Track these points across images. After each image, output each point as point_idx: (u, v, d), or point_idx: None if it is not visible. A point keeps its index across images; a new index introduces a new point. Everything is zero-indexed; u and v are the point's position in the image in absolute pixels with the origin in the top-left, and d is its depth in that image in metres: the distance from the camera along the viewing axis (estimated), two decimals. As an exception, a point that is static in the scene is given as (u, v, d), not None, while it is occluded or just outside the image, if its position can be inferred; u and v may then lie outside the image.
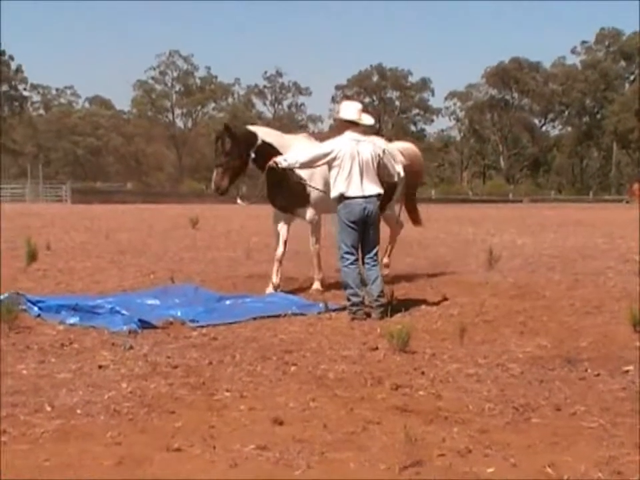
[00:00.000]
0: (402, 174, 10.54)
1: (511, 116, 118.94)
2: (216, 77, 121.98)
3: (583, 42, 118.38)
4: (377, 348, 7.51)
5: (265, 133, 10.87)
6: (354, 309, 9.14)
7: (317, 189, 10.57)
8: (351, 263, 9.29)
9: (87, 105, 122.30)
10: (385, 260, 12.08)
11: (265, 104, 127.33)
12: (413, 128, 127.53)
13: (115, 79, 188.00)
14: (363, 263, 9.45)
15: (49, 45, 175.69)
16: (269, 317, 9.09)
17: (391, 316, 9.05)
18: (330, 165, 9.33)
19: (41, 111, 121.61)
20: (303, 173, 10.51)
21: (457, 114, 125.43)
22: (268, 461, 4.56)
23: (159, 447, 4.76)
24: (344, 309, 9.39)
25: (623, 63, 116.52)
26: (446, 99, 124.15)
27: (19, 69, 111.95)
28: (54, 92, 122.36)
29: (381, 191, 9.47)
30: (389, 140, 12.92)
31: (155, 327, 8.35)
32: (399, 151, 11.52)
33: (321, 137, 11.96)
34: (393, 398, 5.90)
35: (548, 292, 11.09)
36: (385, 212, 11.10)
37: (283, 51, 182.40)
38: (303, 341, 7.91)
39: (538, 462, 4.57)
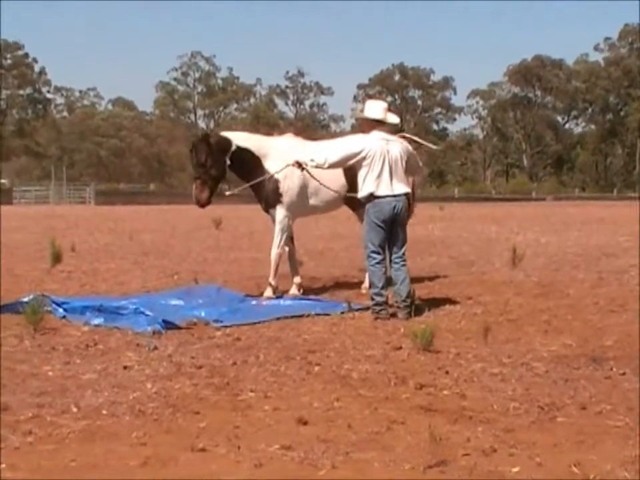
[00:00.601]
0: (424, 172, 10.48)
1: (534, 114, 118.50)
2: (238, 78, 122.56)
3: (606, 38, 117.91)
4: (400, 347, 7.49)
5: (239, 138, 10.65)
6: (377, 308, 9.12)
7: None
8: (377, 263, 9.26)
9: (109, 106, 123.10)
10: None
11: (286, 104, 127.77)
12: (435, 127, 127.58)
13: (138, 80, 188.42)
14: (390, 263, 9.42)
15: (72, 47, 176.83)
16: (292, 317, 9.10)
17: (415, 315, 9.04)
18: (359, 164, 9.27)
19: (65, 113, 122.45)
20: (280, 174, 10.31)
21: (479, 112, 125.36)
22: (292, 461, 4.56)
23: (184, 447, 4.77)
24: (367, 308, 9.37)
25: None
26: (468, 97, 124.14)
27: (42, 72, 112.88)
28: (77, 94, 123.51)
29: (409, 190, 9.46)
30: None
31: (179, 328, 8.38)
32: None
33: (306, 136, 11.91)
34: (417, 397, 5.89)
35: (572, 290, 11.04)
36: None
37: (304, 51, 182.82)
38: (326, 340, 7.90)
39: (563, 461, 4.55)
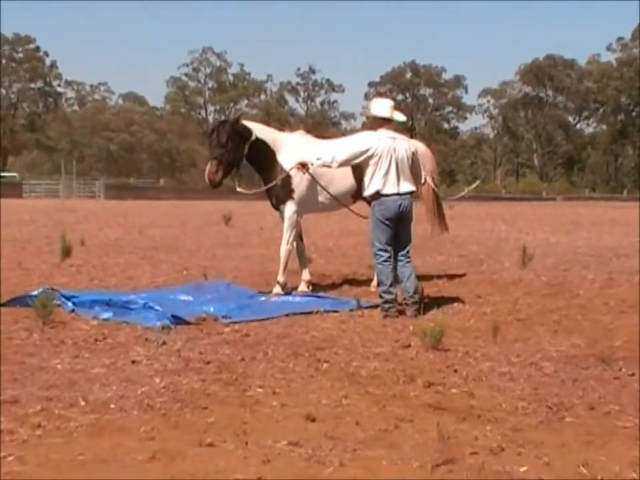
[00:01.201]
0: (428, 182, 10.38)
1: (545, 113, 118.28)
2: (249, 74, 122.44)
3: (619, 39, 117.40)
4: (409, 345, 7.49)
5: (258, 129, 10.70)
6: (386, 306, 9.12)
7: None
8: (385, 260, 9.26)
9: (120, 101, 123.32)
10: None
11: (297, 101, 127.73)
12: (446, 125, 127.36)
13: (149, 75, 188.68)
14: (396, 260, 9.41)
15: (84, 41, 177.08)
16: (301, 313, 9.10)
17: (424, 313, 9.03)
18: (366, 162, 9.27)
19: (75, 107, 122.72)
20: (293, 171, 10.28)
21: (490, 111, 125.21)
22: (300, 458, 4.56)
23: (192, 442, 4.78)
24: (376, 306, 9.37)
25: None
26: (479, 96, 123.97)
27: (53, 65, 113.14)
28: (88, 88, 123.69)
29: (414, 188, 9.46)
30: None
31: (187, 323, 8.38)
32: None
33: (317, 134, 11.89)
34: (425, 396, 5.89)
35: (582, 291, 11.02)
36: None
37: (315, 48, 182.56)
38: (335, 337, 7.90)
39: (572, 461, 4.54)
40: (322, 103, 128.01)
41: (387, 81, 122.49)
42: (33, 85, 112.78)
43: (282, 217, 10.80)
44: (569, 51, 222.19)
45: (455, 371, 6.61)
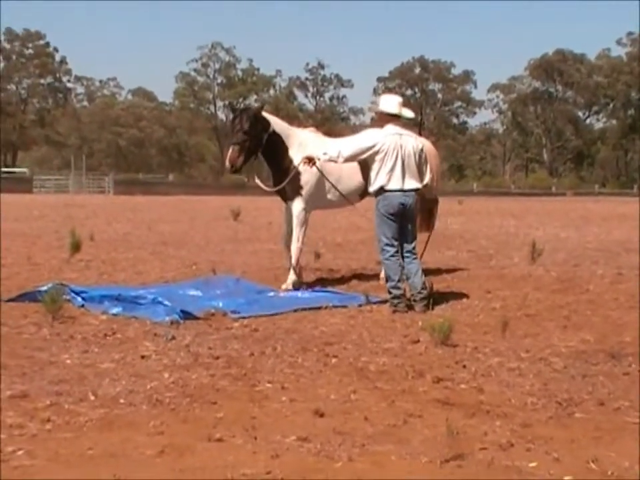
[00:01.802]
0: (432, 184, 10.23)
1: (555, 108, 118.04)
2: (258, 69, 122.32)
3: (629, 33, 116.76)
4: (418, 341, 7.48)
5: (276, 123, 10.72)
6: (395, 301, 9.11)
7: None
8: (392, 255, 9.25)
9: (129, 96, 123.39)
10: None
11: (306, 96, 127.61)
12: (455, 120, 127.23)
13: (158, 71, 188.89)
14: (402, 257, 9.40)
15: (93, 37, 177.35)
16: (309, 308, 9.10)
17: (433, 309, 9.03)
18: (372, 158, 9.27)
19: (85, 103, 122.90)
20: (300, 167, 10.30)
21: (499, 106, 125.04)
22: (309, 452, 4.56)
23: (201, 436, 4.78)
24: (385, 301, 9.36)
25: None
26: (489, 91, 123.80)
27: (63, 61, 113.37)
28: (97, 83, 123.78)
29: (420, 185, 9.43)
30: None
31: (196, 318, 8.39)
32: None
33: (326, 129, 11.86)
34: (434, 391, 5.88)
35: (592, 286, 10.99)
36: None
37: (324, 43, 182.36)
38: (343, 333, 7.90)
39: (581, 457, 4.53)
40: (331, 98, 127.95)
41: (396, 76, 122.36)
42: (42, 81, 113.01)
43: (289, 213, 10.81)
44: (579, 45, 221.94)
45: (464, 366, 6.61)
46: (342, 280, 11.47)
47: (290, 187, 10.55)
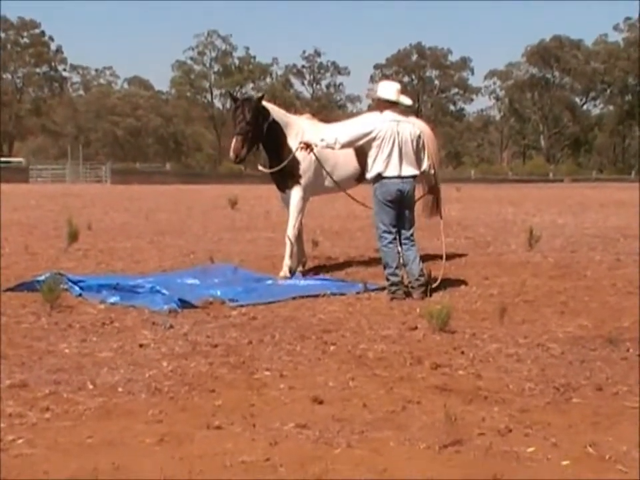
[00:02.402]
0: (430, 171, 10.15)
1: (552, 95, 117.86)
2: (254, 57, 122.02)
3: (627, 19, 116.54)
4: (416, 327, 7.49)
5: (275, 111, 10.70)
6: (393, 288, 9.12)
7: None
8: (390, 242, 9.25)
9: (125, 85, 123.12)
10: None
11: (303, 84, 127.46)
12: (452, 107, 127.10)
13: (154, 59, 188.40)
14: (400, 244, 9.41)
15: (89, 26, 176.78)
16: (307, 296, 9.10)
17: (431, 296, 9.04)
18: (369, 144, 9.27)
19: (81, 92, 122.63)
20: (298, 155, 10.31)
21: (496, 93, 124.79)
22: (308, 440, 4.58)
23: (200, 425, 4.79)
24: (383, 288, 9.37)
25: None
26: (486, 77, 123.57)
27: (58, 50, 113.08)
28: (93, 72, 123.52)
29: (417, 172, 9.42)
30: None
31: (194, 307, 8.39)
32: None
33: (323, 117, 11.83)
34: (432, 377, 5.90)
35: (589, 272, 11.01)
36: None
37: (321, 31, 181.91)
38: (342, 320, 7.91)
39: (579, 442, 4.55)
40: (327, 86, 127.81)
41: (393, 63, 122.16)
42: (38, 70, 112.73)
43: (285, 202, 10.81)
44: (576, 31, 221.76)
45: (462, 352, 6.62)
46: (340, 267, 11.47)
47: (288, 176, 10.54)
